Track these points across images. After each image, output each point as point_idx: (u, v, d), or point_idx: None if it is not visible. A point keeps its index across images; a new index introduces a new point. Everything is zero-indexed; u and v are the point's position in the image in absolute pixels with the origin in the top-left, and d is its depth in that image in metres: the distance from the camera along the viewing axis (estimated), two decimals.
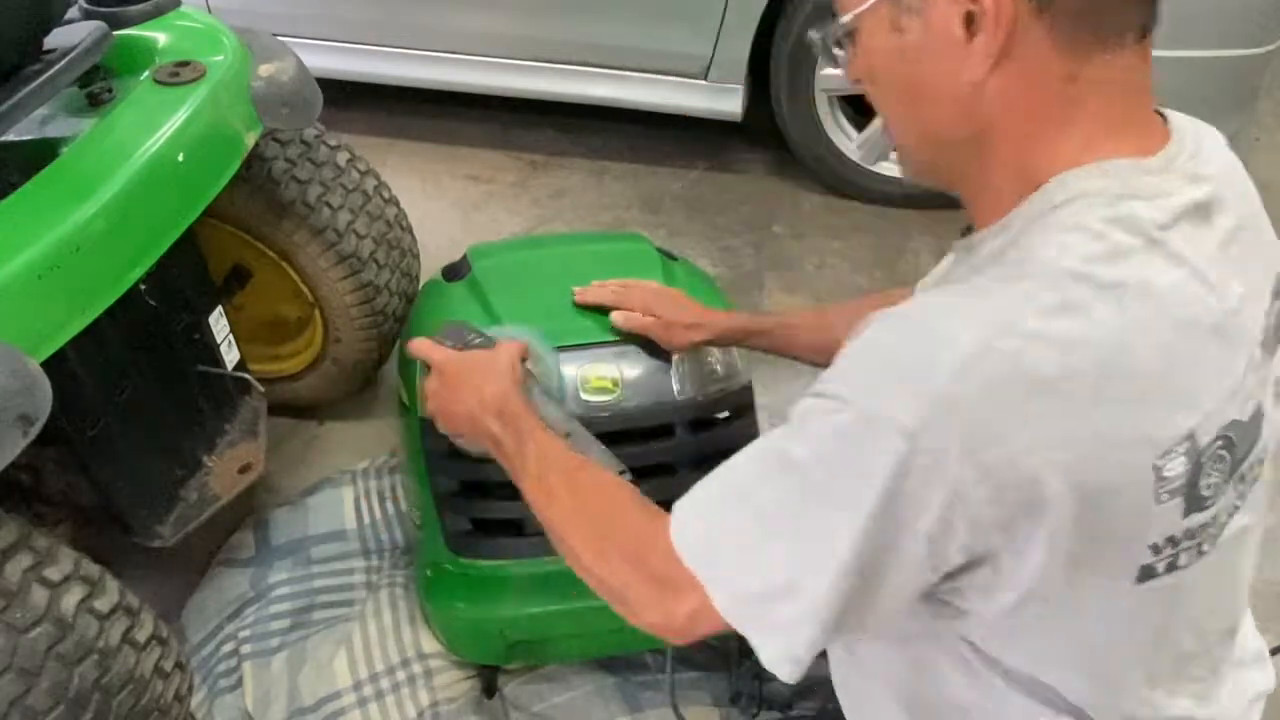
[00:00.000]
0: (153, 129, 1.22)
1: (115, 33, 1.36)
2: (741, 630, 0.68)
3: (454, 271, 1.53)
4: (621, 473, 1.02)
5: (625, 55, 2.50)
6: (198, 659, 1.51)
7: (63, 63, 1.22)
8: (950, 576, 0.65)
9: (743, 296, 2.28)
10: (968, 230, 0.73)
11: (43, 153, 1.21)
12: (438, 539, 1.33)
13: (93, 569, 1.12)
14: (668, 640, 0.76)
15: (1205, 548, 0.67)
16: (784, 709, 1.43)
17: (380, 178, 1.75)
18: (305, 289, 1.67)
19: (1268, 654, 0.86)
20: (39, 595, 1.03)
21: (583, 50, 2.51)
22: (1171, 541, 0.64)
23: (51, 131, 1.29)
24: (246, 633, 1.51)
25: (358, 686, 1.43)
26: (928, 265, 2.75)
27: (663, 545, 0.71)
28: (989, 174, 0.68)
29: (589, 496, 0.85)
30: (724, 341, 1.28)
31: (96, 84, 1.33)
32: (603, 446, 1.09)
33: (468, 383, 0.99)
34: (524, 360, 1.07)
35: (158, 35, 1.42)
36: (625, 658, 1.46)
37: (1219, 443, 0.63)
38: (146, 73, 1.32)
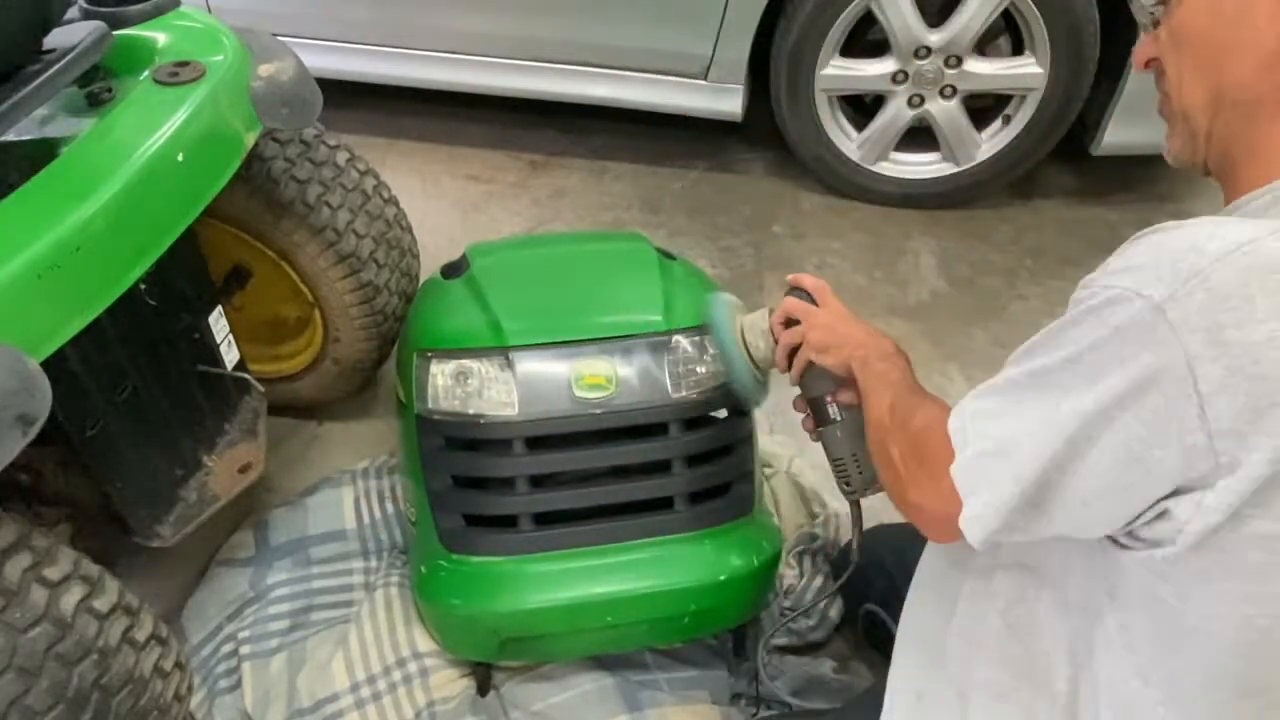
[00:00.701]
0: (152, 129, 1.22)
1: (115, 33, 1.36)
2: (957, 486, 0.76)
3: (453, 270, 1.53)
4: None
5: (625, 55, 2.50)
6: (197, 659, 1.51)
7: (62, 63, 1.22)
8: (1156, 501, 0.68)
9: (743, 297, 2.26)
10: None
11: (42, 153, 1.20)
12: (432, 535, 1.33)
13: (92, 569, 1.12)
14: (925, 527, 0.86)
15: None
16: (783, 708, 1.43)
17: (380, 177, 1.75)
18: (305, 289, 1.67)
19: None
20: (38, 595, 1.03)
21: (583, 50, 2.51)
22: None
23: (51, 131, 1.28)
24: (246, 633, 1.51)
25: (355, 689, 1.43)
26: (928, 265, 2.74)
27: (941, 437, 0.80)
28: (1263, 139, 0.73)
29: (913, 405, 0.93)
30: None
31: (96, 84, 1.33)
32: None
33: (847, 321, 1.11)
34: None
35: (157, 35, 1.42)
36: (624, 657, 1.46)
37: None
38: (146, 73, 1.32)
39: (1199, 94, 0.77)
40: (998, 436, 0.74)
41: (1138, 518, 0.70)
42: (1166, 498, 0.68)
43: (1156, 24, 0.81)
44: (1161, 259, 0.64)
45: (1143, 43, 0.83)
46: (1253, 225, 0.64)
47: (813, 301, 1.16)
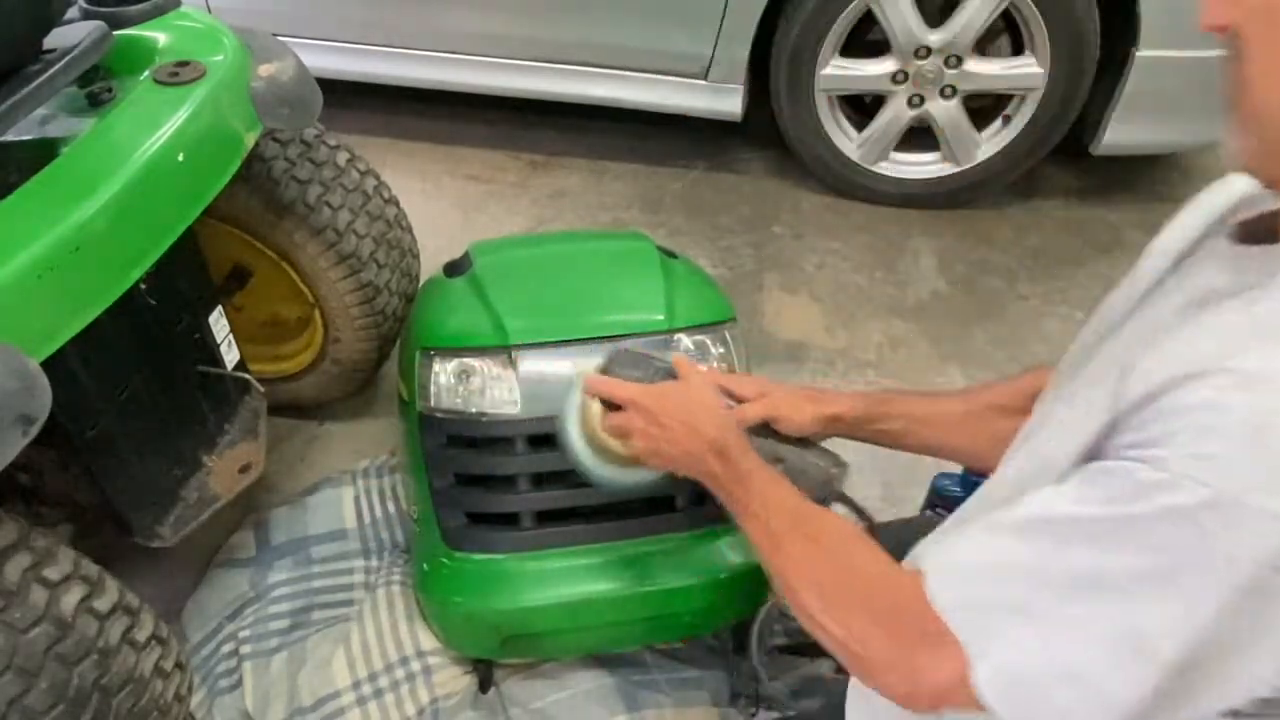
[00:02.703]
0: (152, 129, 1.22)
1: (115, 33, 1.36)
2: (1000, 712, 0.63)
3: (455, 268, 1.53)
4: (839, 466, 1.02)
5: (625, 55, 2.50)
6: (198, 659, 1.51)
7: (63, 63, 1.22)
8: None
9: (743, 297, 2.28)
10: (1252, 234, 0.66)
11: (43, 153, 1.20)
12: (434, 533, 1.33)
13: (92, 569, 1.12)
14: (905, 706, 0.70)
15: None
16: (782, 709, 1.43)
17: (380, 178, 1.75)
18: (305, 289, 1.67)
19: None
20: (38, 595, 1.03)
21: (583, 50, 2.51)
22: None
23: (51, 131, 1.28)
24: (246, 633, 1.51)
25: (356, 686, 1.43)
26: (928, 265, 2.74)
27: (918, 606, 0.67)
28: None
29: (821, 548, 0.80)
30: (840, 424, 1.09)
31: (96, 84, 1.33)
32: (819, 449, 1.07)
33: (682, 421, 0.96)
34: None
35: (158, 35, 1.42)
36: (624, 656, 1.45)
37: None
38: (146, 73, 1.32)
39: (1276, 96, 0.60)
40: (1052, 655, 0.61)
41: None
42: None
43: None
44: (1267, 455, 0.54)
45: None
46: None
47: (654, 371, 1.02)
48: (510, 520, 1.31)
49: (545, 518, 1.31)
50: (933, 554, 0.70)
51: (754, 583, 1.35)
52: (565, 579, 1.28)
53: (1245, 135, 0.63)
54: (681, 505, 1.31)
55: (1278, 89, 0.59)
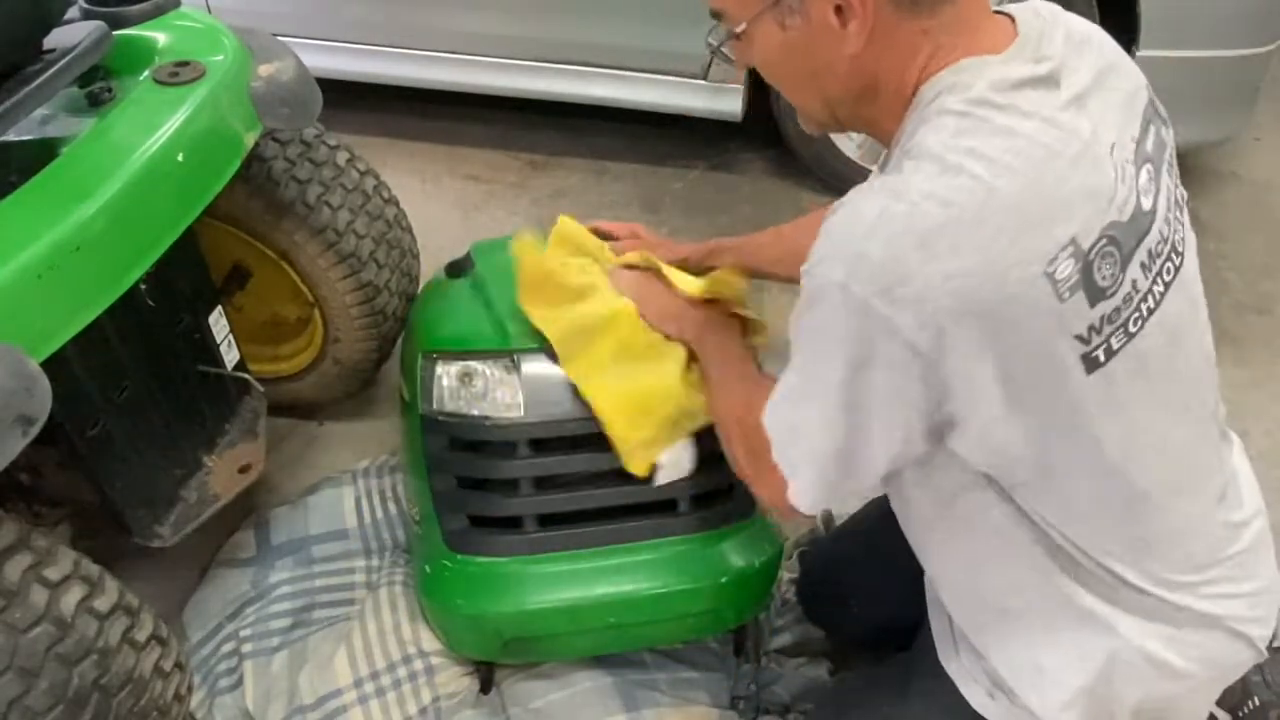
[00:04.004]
0: (152, 129, 1.22)
1: (115, 33, 1.36)
2: (783, 473, 0.89)
3: (457, 268, 1.53)
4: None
5: (625, 55, 2.50)
6: (198, 659, 1.51)
7: (63, 63, 1.22)
8: (943, 429, 0.81)
9: None
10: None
11: (43, 153, 1.21)
12: (436, 535, 1.33)
13: (92, 569, 1.12)
14: (778, 513, 1.02)
15: (1132, 328, 0.80)
16: (781, 712, 1.43)
17: (380, 178, 1.75)
18: (305, 289, 1.67)
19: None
20: (39, 595, 1.03)
21: (583, 50, 2.51)
22: (1094, 330, 0.78)
23: (51, 131, 1.29)
24: (247, 632, 1.51)
25: (358, 684, 1.43)
26: None
27: (762, 433, 0.91)
28: (880, 108, 0.86)
29: (743, 403, 1.02)
30: (697, 258, 1.38)
31: (96, 84, 1.33)
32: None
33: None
34: None
35: (157, 35, 1.42)
36: (624, 656, 1.45)
37: (1102, 241, 0.77)
38: (146, 73, 1.32)
39: (812, 102, 0.90)
40: (791, 423, 0.88)
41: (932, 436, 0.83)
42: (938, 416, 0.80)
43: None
44: (835, 244, 0.77)
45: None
46: (882, 192, 0.76)
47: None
48: (513, 523, 1.31)
49: (548, 521, 1.31)
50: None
51: (754, 587, 1.35)
52: (567, 582, 1.28)
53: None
54: (683, 510, 1.31)
55: (804, 103, 0.92)
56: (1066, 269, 0.75)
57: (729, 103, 2.51)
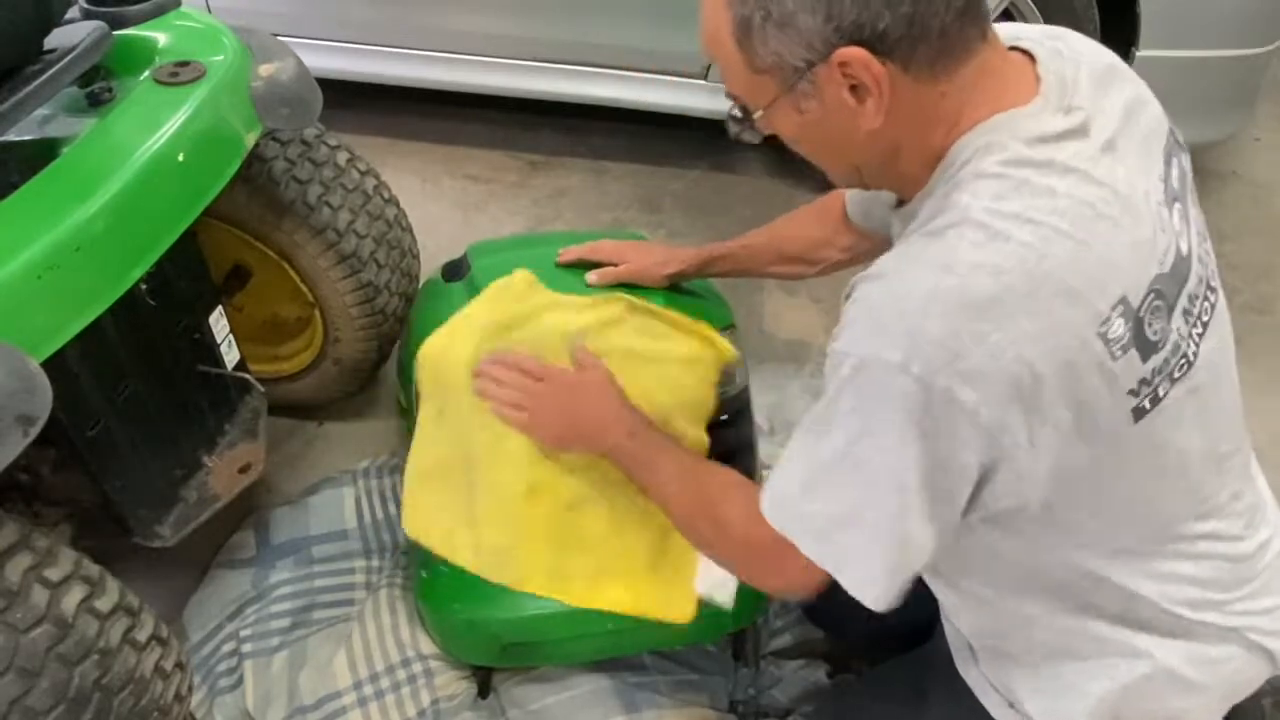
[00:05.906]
0: (153, 129, 1.22)
1: (115, 33, 1.36)
2: (824, 567, 0.84)
3: (454, 271, 1.53)
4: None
5: (625, 55, 2.50)
6: (198, 659, 1.51)
7: (63, 63, 1.23)
8: (979, 488, 0.79)
9: (742, 297, 2.28)
10: (900, 202, 0.91)
11: (43, 153, 1.21)
12: None
13: (93, 569, 1.12)
14: (797, 597, 0.97)
15: (1177, 374, 0.81)
16: (781, 715, 1.43)
17: (380, 178, 1.75)
18: (305, 289, 1.67)
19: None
20: (39, 595, 1.03)
21: (583, 50, 2.51)
22: (1145, 383, 0.78)
23: (51, 131, 1.29)
24: (247, 632, 1.51)
25: (358, 686, 1.43)
26: None
27: (761, 524, 0.87)
28: (905, 168, 0.85)
29: (702, 501, 1.01)
30: (693, 272, 1.41)
31: (96, 84, 1.33)
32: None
33: (579, 405, 1.17)
34: None
35: (158, 35, 1.42)
36: (622, 659, 1.45)
37: (1150, 295, 0.78)
38: (146, 73, 1.32)
39: (838, 169, 0.91)
40: (829, 513, 0.82)
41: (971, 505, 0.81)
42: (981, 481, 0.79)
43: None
44: (884, 323, 0.75)
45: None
46: (928, 264, 0.75)
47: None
48: None
49: None
50: (766, 490, 0.89)
51: (753, 591, 1.34)
52: None
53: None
54: None
55: (830, 169, 0.93)
56: (1118, 328, 0.75)
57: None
